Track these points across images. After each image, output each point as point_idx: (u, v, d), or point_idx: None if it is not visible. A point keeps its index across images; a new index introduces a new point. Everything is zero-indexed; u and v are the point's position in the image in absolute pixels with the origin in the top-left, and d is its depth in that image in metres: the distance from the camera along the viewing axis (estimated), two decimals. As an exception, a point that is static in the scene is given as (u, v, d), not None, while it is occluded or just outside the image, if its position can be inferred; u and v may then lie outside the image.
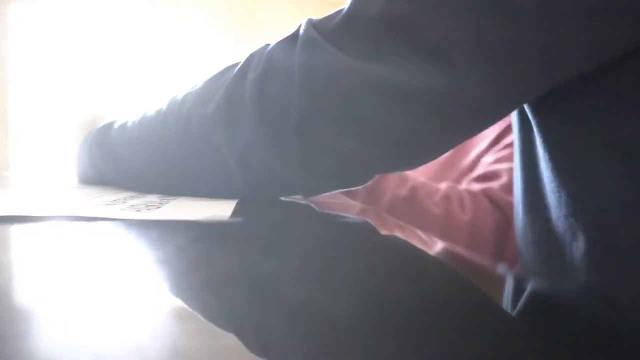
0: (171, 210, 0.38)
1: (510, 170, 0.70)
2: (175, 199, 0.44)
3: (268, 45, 0.39)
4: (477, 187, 0.75)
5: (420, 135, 0.34)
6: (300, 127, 0.35)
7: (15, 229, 0.33)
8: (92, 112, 0.66)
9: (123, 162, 0.50)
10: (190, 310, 0.21)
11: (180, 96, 0.44)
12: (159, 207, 0.39)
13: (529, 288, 0.35)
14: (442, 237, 0.59)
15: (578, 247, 0.32)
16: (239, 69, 0.39)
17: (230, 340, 0.18)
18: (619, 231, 0.30)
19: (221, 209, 0.37)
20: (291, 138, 0.35)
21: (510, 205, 0.62)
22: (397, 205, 0.70)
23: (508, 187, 0.67)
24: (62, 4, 2.79)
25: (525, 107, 0.36)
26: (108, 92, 2.77)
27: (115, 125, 0.53)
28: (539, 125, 0.34)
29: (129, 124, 0.50)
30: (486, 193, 0.70)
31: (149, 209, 0.38)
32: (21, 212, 0.35)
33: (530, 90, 0.32)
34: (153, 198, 0.44)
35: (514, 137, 0.39)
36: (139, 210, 0.37)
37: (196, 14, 2.90)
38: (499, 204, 0.66)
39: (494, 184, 0.70)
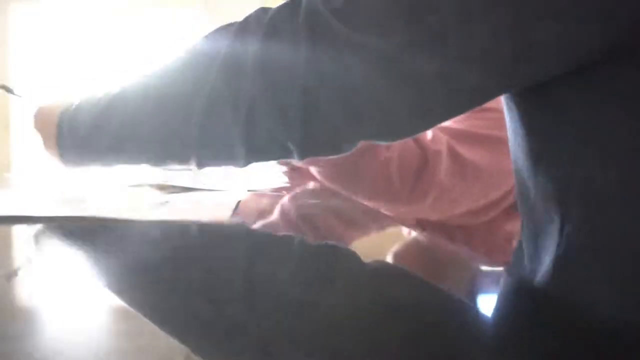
0: (171, 210, 0.38)
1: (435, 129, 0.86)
2: (175, 199, 0.44)
3: (264, 8, 0.40)
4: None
5: (411, 111, 0.36)
6: (304, 94, 0.36)
7: (15, 229, 0.33)
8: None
9: (119, 129, 0.45)
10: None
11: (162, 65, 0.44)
12: (159, 208, 0.39)
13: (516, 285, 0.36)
14: (370, 171, 0.77)
15: (552, 236, 0.33)
16: (235, 32, 0.40)
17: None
18: (594, 219, 0.32)
19: (221, 209, 0.37)
20: (295, 102, 0.37)
21: (434, 152, 0.80)
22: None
23: (436, 140, 0.82)
24: (62, 4, 2.79)
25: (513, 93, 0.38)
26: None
27: (83, 112, 0.46)
28: (524, 111, 0.36)
29: (103, 100, 0.43)
30: (417, 139, 0.86)
31: (149, 209, 0.38)
32: (22, 213, 0.35)
33: (515, 82, 0.35)
34: (154, 197, 0.45)
35: (506, 118, 0.41)
36: (139, 210, 0.37)
37: (196, 14, 2.90)
38: (423, 147, 0.82)
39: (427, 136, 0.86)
